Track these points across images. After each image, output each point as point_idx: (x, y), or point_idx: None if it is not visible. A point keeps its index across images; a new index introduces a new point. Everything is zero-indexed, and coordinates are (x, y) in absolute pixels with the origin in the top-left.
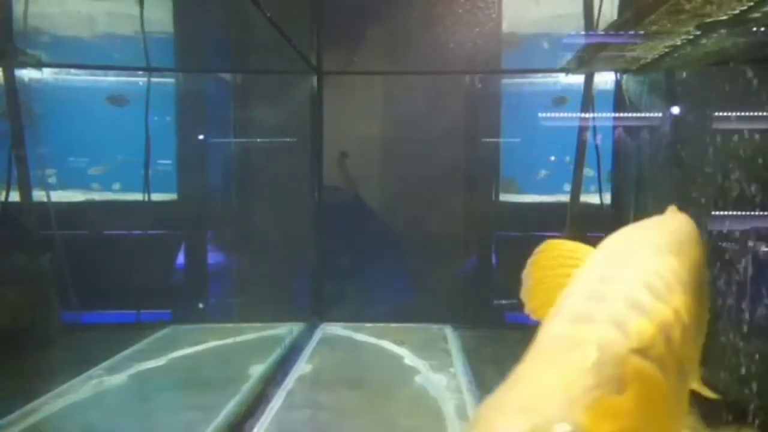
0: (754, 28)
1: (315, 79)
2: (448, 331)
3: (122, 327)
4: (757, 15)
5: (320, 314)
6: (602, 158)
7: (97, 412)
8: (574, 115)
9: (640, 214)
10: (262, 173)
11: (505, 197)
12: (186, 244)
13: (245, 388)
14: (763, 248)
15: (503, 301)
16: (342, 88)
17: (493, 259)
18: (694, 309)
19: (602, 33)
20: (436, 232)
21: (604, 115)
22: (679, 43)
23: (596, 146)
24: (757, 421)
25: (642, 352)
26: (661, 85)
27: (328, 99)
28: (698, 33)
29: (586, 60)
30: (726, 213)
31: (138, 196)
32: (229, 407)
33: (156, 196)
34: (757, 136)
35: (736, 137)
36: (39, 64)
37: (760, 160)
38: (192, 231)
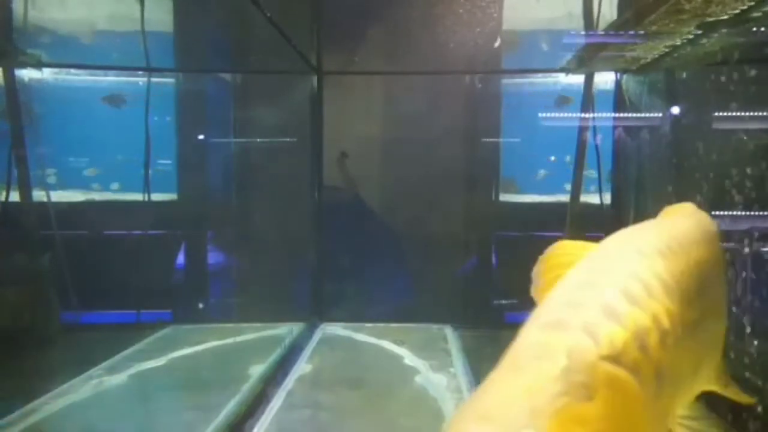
0: (754, 28)
1: (315, 79)
2: (448, 331)
3: (122, 327)
4: (757, 15)
5: (320, 314)
6: (602, 158)
7: (97, 412)
8: (574, 115)
9: (640, 214)
10: (262, 173)
11: (505, 197)
12: (186, 244)
13: (245, 388)
14: (763, 248)
15: (503, 301)
16: (342, 88)
17: (493, 259)
18: (683, 312)
19: (602, 33)
20: (436, 232)
21: (604, 115)
22: (679, 43)
23: (596, 146)
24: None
25: (614, 358)
26: (661, 85)
27: (328, 99)
28: (698, 33)
29: (586, 60)
30: (726, 213)
31: (138, 196)
32: (229, 407)
33: (156, 196)
34: (757, 136)
35: (736, 137)
36: (39, 64)
37: (760, 160)
38: (192, 231)
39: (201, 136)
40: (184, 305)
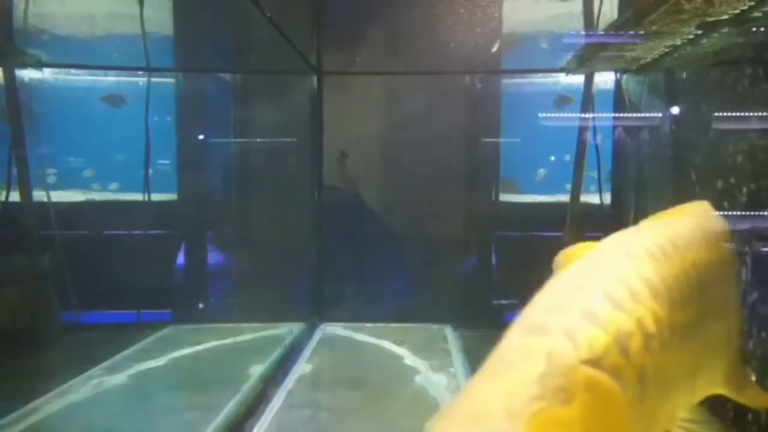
0: (754, 28)
1: (315, 79)
2: (448, 331)
3: (122, 327)
4: (757, 15)
5: (320, 314)
6: (602, 158)
7: (97, 412)
8: (574, 115)
9: (640, 214)
10: (262, 173)
11: (505, 197)
12: (186, 244)
13: (245, 388)
14: (763, 248)
15: (503, 301)
16: (342, 88)
17: (493, 259)
18: (673, 315)
19: (602, 33)
20: (436, 232)
21: (604, 115)
22: (679, 43)
23: (596, 146)
24: (754, 420)
25: (594, 362)
26: (661, 85)
27: (328, 99)
28: (698, 33)
29: (586, 60)
30: (726, 213)
31: (138, 196)
32: (229, 407)
33: (156, 196)
34: (757, 136)
35: (736, 137)
36: (39, 64)
37: (760, 160)
38: (192, 231)
39: (201, 136)
40: (184, 305)
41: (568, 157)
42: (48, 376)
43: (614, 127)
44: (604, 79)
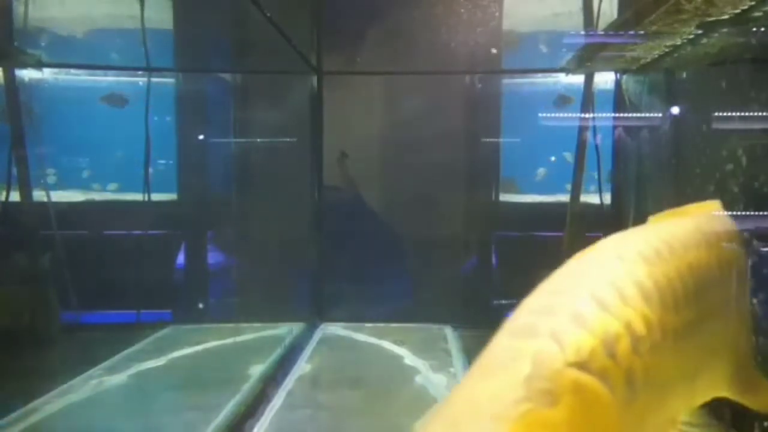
0: (754, 28)
1: (315, 79)
2: (448, 331)
3: (122, 327)
4: (757, 15)
5: (320, 314)
6: (602, 158)
7: (97, 412)
8: (574, 115)
9: (640, 214)
10: (262, 173)
11: (505, 197)
12: (186, 244)
13: (245, 388)
14: (763, 248)
15: (503, 301)
16: (342, 88)
17: (493, 259)
18: (666, 317)
19: (602, 33)
20: (436, 232)
21: (604, 115)
22: (679, 43)
23: (596, 146)
24: (756, 424)
25: (580, 365)
26: (661, 85)
27: (328, 99)
28: (698, 33)
29: (586, 60)
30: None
31: (138, 196)
32: (229, 407)
33: (156, 196)
34: (757, 137)
35: (736, 137)
36: (39, 64)
37: (760, 160)
38: (192, 231)
39: (201, 136)
40: (184, 305)
41: (568, 155)
42: (48, 376)
43: (614, 127)
44: (604, 79)
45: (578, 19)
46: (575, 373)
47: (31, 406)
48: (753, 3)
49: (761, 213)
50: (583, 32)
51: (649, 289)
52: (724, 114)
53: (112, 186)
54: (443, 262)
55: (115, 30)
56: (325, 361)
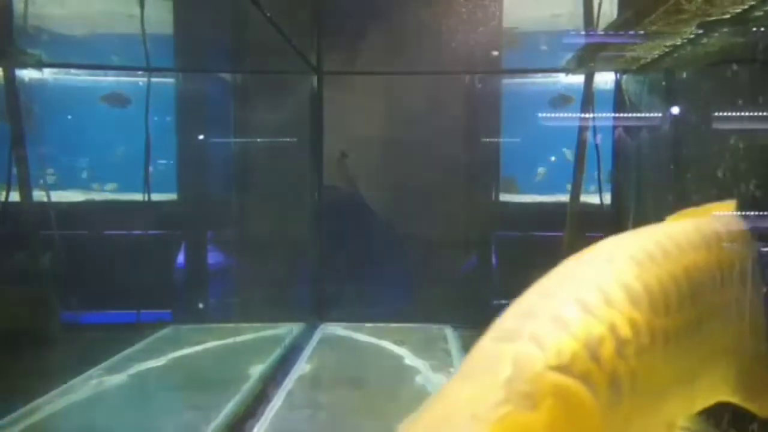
0: (754, 28)
1: (315, 79)
2: (448, 331)
3: (122, 327)
4: (757, 15)
5: (320, 314)
6: (602, 158)
7: (97, 412)
8: (574, 115)
9: (640, 214)
10: (262, 173)
11: (505, 197)
12: (186, 244)
13: (245, 388)
14: (763, 248)
15: (503, 301)
16: (342, 88)
17: (493, 259)
18: (655, 320)
19: (602, 33)
20: (435, 232)
21: (604, 115)
22: (679, 43)
23: (596, 146)
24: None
25: (561, 368)
26: (661, 85)
27: (328, 99)
28: (698, 33)
29: (586, 60)
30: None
31: (138, 196)
32: (229, 407)
33: (156, 196)
34: (757, 136)
35: (736, 137)
36: (39, 64)
37: (760, 160)
38: (192, 231)
39: (201, 136)
40: (184, 305)
41: (567, 152)
42: (48, 376)
43: (614, 127)
44: (604, 79)
45: (578, 19)
46: (556, 376)
47: (31, 405)
48: (753, 3)
49: (761, 213)
50: (583, 32)
51: (637, 292)
52: (724, 114)
53: (112, 186)
54: (443, 262)
55: (115, 30)
56: (325, 362)
